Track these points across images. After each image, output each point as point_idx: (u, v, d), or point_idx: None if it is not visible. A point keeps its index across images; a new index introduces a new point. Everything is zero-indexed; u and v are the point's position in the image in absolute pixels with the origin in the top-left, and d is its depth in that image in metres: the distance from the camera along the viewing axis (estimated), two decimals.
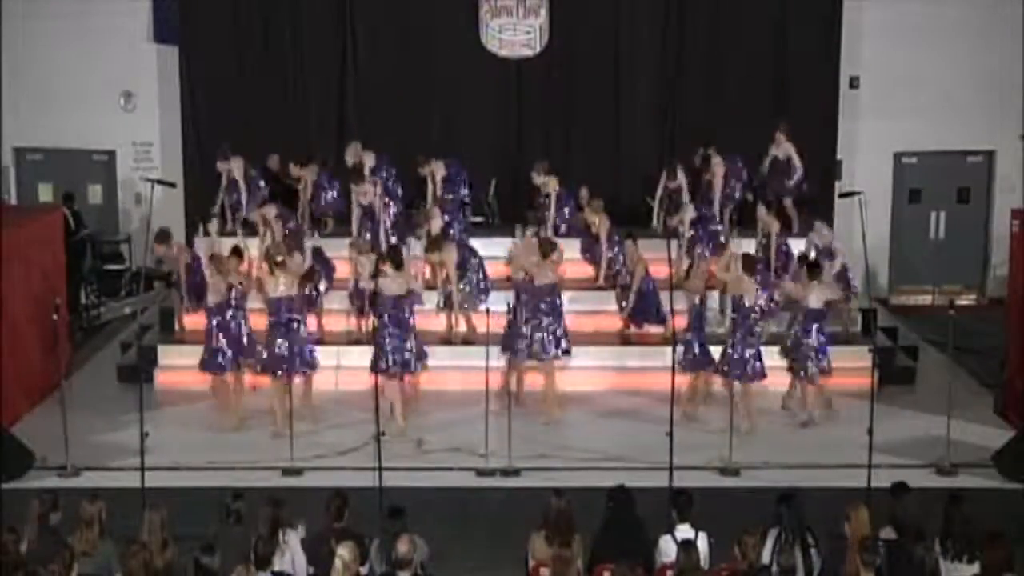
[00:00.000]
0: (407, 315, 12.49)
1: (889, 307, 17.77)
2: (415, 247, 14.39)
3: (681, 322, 12.64)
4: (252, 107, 17.26)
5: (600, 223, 14.82)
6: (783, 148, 15.80)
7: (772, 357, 12.92)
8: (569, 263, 14.35)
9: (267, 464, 11.59)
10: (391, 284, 12.34)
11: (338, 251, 14.56)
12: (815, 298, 12.66)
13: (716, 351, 12.78)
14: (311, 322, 13.69)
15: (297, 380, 12.58)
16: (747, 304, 12.44)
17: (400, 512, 8.44)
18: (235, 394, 12.96)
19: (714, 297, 13.87)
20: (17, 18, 17.35)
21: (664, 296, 13.34)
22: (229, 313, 12.71)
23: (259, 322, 12.93)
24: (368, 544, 8.41)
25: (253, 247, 14.25)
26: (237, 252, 13.35)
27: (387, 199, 15.08)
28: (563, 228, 15.40)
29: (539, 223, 14.65)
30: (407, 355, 12.42)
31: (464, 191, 15.65)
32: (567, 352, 13.00)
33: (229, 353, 12.70)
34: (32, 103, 17.76)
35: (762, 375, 12.53)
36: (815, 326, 12.67)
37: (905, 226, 18.61)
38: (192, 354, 13.52)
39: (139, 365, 12.91)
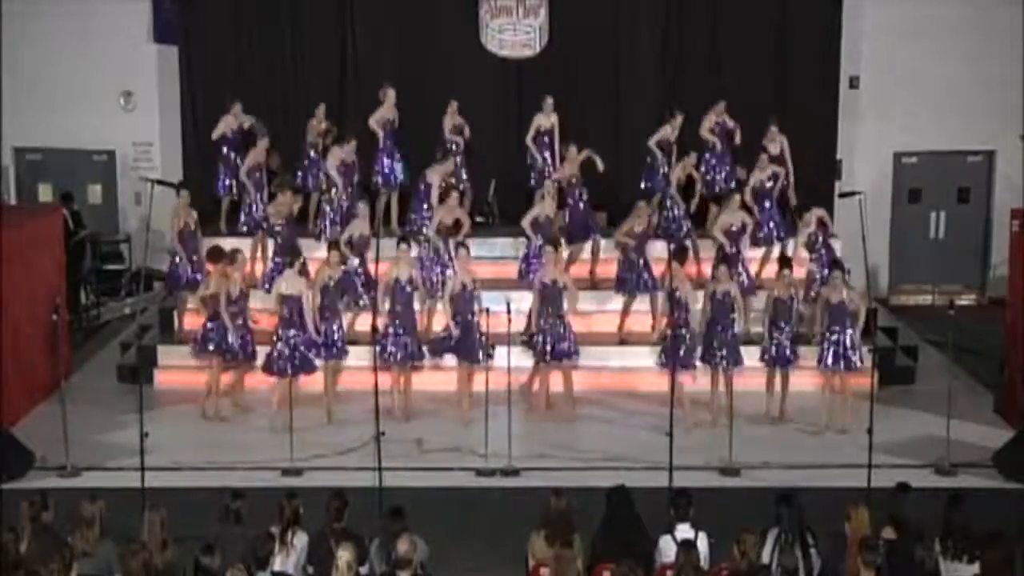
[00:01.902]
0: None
1: (889, 307, 17.77)
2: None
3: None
4: (252, 107, 17.21)
5: None
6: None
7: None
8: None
9: (267, 464, 11.60)
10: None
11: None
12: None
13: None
14: None
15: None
16: (680, 300, 12.62)
17: (400, 512, 8.44)
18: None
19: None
20: (17, 18, 17.35)
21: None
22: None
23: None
24: (368, 544, 8.41)
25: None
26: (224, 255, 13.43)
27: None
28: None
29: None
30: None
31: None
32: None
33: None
34: (32, 103, 17.76)
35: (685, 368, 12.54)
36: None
37: (905, 226, 18.61)
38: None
39: (139, 365, 12.91)
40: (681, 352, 12.48)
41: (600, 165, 15.29)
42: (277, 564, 8.05)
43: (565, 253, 14.45)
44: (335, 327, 13.10)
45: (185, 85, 17.61)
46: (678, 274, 12.84)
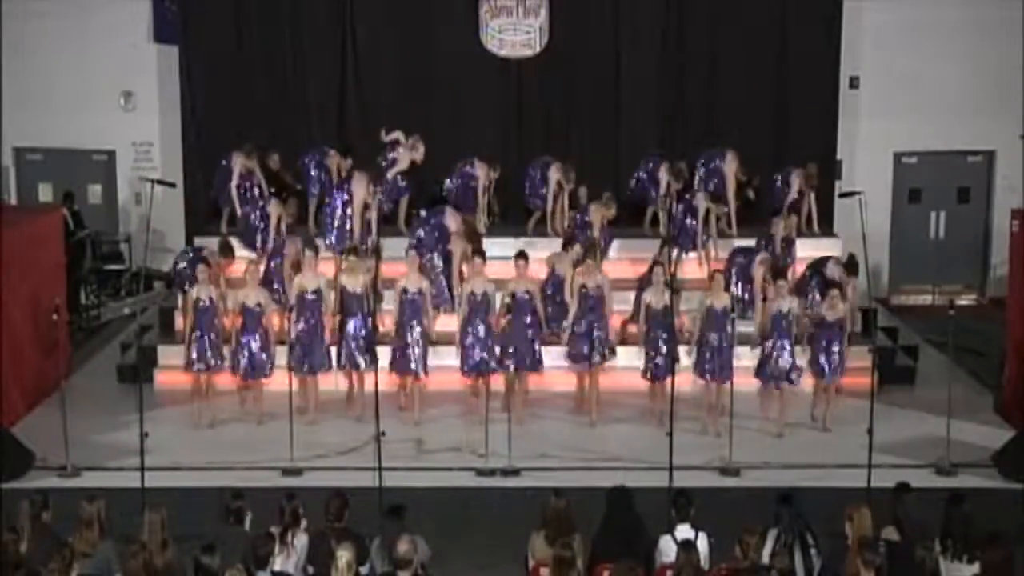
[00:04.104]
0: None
1: (889, 307, 17.77)
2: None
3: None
4: (252, 107, 17.26)
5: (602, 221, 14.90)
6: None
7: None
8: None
9: (267, 464, 11.60)
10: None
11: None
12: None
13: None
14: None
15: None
16: (654, 307, 12.66)
17: (400, 510, 8.44)
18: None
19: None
20: (17, 18, 17.34)
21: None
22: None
23: None
24: (369, 544, 8.41)
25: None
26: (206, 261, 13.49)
27: None
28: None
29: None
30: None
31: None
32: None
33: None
34: (32, 103, 17.75)
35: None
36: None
37: (905, 226, 18.61)
38: None
39: (139, 365, 12.90)
40: (653, 357, 12.61)
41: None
42: (277, 564, 8.05)
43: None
44: (361, 333, 12.96)
45: (185, 85, 17.60)
46: (657, 279, 12.80)
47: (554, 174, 15.64)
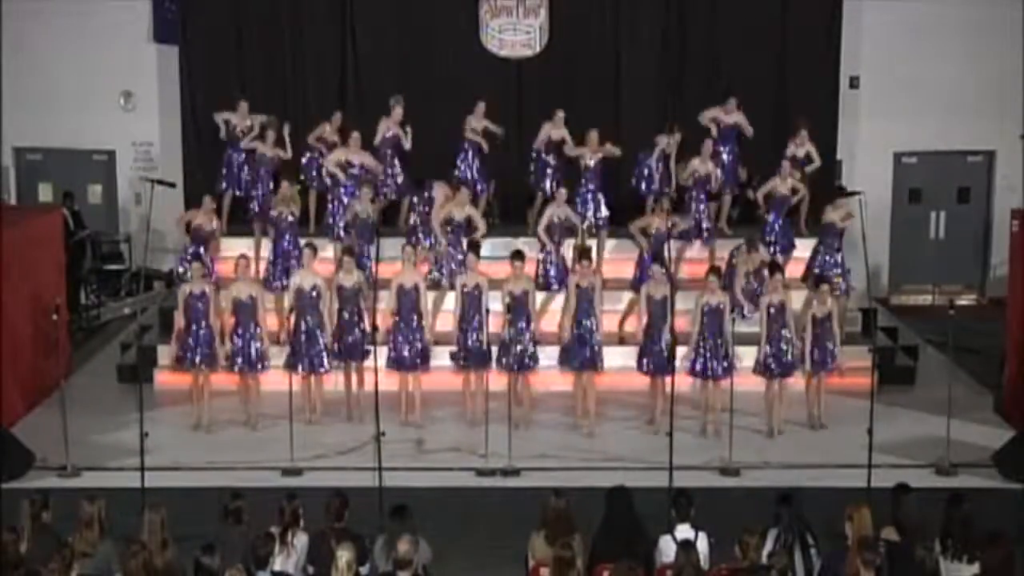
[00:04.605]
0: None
1: (889, 307, 17.78)
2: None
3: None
4: (252, 107, 17.21)
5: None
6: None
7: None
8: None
9: (267, 464, 11.60)
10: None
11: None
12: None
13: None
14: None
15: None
16: (655, 299, 12.68)
17: (404, 511, 8.43)
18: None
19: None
20: (17, 18, 17.35)
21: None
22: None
23: None
24: (370, 543, 8.42)
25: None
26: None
27: None
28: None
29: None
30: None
31: None
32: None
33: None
34: (32, 103, 17.76)
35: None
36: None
37: (905, 226, 18.62)
38: None
39: (139, 365, 12.91)
40: (652, 349, 12.61)
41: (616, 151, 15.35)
42: (277, 564, 8.06)
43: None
44: (356, 331, 12.99)
45: (185, 85, 17.61)
46: (657, 277, 12.80)
47: (548, 131, 15.65)
